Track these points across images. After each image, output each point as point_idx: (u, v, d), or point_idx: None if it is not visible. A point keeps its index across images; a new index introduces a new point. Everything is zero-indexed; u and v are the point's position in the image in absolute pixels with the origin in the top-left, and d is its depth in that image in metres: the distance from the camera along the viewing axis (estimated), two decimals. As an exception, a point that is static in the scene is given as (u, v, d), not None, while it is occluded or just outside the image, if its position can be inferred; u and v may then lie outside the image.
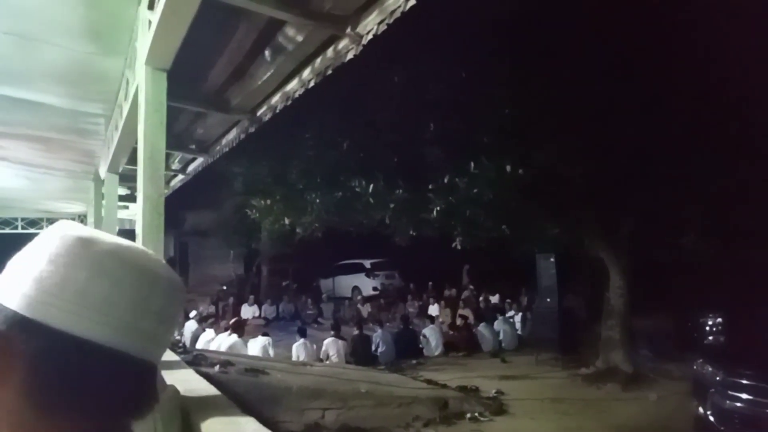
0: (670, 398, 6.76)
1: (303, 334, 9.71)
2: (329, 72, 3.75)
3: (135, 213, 9.79)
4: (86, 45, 3.52)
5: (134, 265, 0.53)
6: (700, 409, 5.16)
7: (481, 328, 11.34)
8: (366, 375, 7.35)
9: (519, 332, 12.17)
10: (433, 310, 14.43)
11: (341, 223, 10.89)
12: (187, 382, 2.16)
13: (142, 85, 2.80)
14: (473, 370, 9.20)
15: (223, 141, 5.82)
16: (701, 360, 5.58)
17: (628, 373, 8.14)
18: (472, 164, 7.20)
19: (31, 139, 5.93)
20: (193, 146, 6.06)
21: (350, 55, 3.40)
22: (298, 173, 10.03)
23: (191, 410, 1.49)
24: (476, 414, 6.19)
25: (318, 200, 9.53)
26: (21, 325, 0.48)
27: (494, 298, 14.96)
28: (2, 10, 3.11)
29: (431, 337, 10.81)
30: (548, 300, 11.23)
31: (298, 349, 9.31)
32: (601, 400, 7.28)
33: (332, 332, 9.96)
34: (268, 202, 10.61)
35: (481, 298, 14.98)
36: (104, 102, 4.68)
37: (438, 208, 7.70)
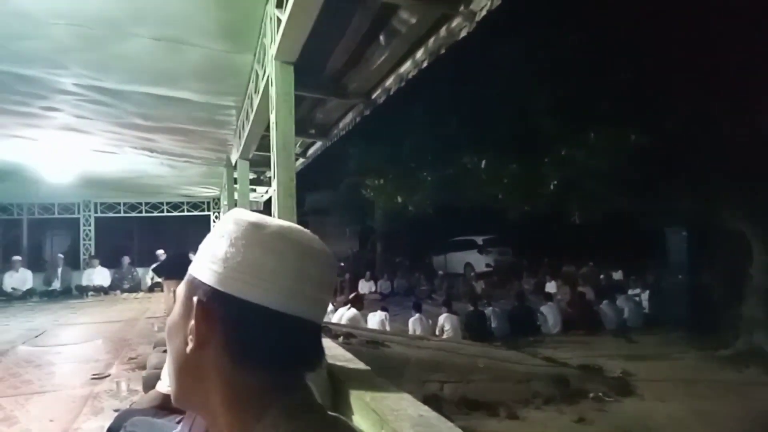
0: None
1: (418, 308, 9.94)
2: (442, 51, 3.77)
3: (261, 195, 10.59)
4: (222, 44, 3.86)
5: (295, 242, 0.64)
6: None
7: (604, 305, 10.83)
8: (483, 350, 7.38)
9: (645, 310, 11.46)
10: (550, 287, 14.01)
11: (453, 200, 10.89)
12: (328, 348, 2.36)
13: (272, 78, 3.03)
14: (595, 349, 8.86)
15: (340, 124, 6.08)
16: None
17: (773, 356, 7.39)
18: (592, 134, 6.83)
19: (174, 131, 6.64)
20: (313, 131, 6.38)
21: (464, 33, 3.39)
22: (409, 152, 10.17)
23: (337, 376, 1.64)
24: (600, 394, 5.99)
25: (430, 178, 9.62)
26: (217, 296, 0.61)
27: (617, 275, 14.16)
28: (153, 19, 3.52)
29: (549, 314, 10.54)
30: (679, 276, 10.42)
31: (414, 324, 9.56)
32: (742, 383, 6.69)
33: (444, 308, 10.08)
34: (382, 181, 10.90)
35: (602, 276, 14.25)
36: (236, 95, 5.10)
37: (555, 182, 7.43)
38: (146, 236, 15.19)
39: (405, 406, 1.20)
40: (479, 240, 18.82)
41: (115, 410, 3.20)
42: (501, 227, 15.89)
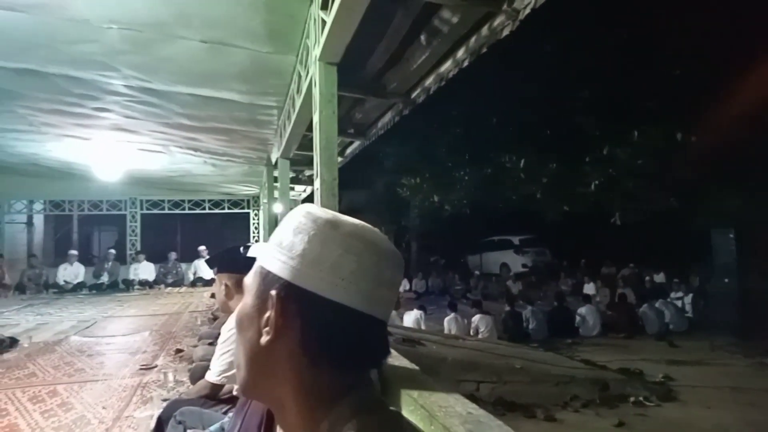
0: None
1: (454, 308, 9.90)
2: (484, 50, 3.76)
3: (299, 194, 10.72)
4: (265, 45, 3.95)
5: (371, 242, 0.66)
6: None
7: (645, 308, 10.54)
8: (519, 351, 7.30)
9: (689, 314, 11.10)
10: (589, 288, 13.71)
11: (489, 199, 10.80)
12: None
13: (315, 78, 3.09)
14: (636, 353, 8.64)
15: (379, 124, 6.13)
16: None
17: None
18: (636, 133, 6.66)
19: (217, 131, 6.82)
20: (351, 130, 6.45)
21: (506, 32, 3.37)
22: (446, 151, 10.14)
23: (384, 372, 1.66)
24: (641, 398, 5.85)
25: (467, 177, 9.56)
26: (294, 291, 0.63)
27: (659, 277, 13.75)
28: (200, 22, 3.64)
29: (588, 316, 10.34)
30: (725, 280, 10.05)
31: (450, 323, 9.53)
32: (795, 394, 6.41)
33: (475, 309, 10.00)
34: (418, 180, 10.90)
35: (647, 278, 13.86)
36: (278, 95, 5.21)
37: (596, 182, 7.28)
38: (188, 232, 15.63)
39: (453, 403, 1.22)
40: (516, 240, 18.57)
41: (164, 400, 3.33)
42: (538, 227, 15.62)
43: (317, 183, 3.07)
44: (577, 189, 7.86)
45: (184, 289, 11.83)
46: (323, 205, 3.02)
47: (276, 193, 8.55)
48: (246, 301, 0.69)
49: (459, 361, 5.92)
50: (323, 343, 0.62)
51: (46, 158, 9.17)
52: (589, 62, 7.35)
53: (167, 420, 2.56)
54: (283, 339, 0.63)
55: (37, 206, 13.33)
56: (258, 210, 14.19)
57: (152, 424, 2.84)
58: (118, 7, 3.48)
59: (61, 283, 11.24)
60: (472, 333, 9.47)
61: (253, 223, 14.47)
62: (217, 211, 14.07)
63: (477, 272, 17.94)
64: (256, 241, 13.62)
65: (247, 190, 13.18)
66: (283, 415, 0.67)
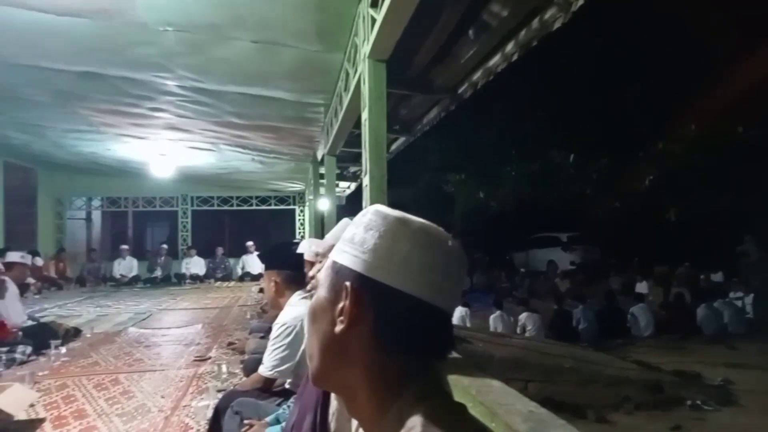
0: None
1: (499, 306, 9.77)
2: (534, 44, 3.69)
3: (343, 190, 10.80)
4: (314, 44, 4.01)
5: (438, 238, 0.69)
6: None
7: (702, 308, 10.10)
8: (569, 351, 7.15)
9: (749, 315, 10.56)
10: (641, 287, 13.24)
11: (537, 196, 10.59)
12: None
13: (364, 76, 3.11)
14: (691, 355, 8.30)
15: (424, 120, 6.11)
16: None
17: None
18: (693, 127, 6.39)
19: (265, 129, 6.96)
20: (397, 127, 6.45)
21: (558, 24, 3.30)
22: (492, 147, 10.00)
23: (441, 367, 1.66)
24: (698, 402, 5.63)
25: (513, 173, 9.40)
26: (366, 282, 0.66)
27: (716, 276, 13.14)
28: (252, 23, 3.72)
29: (641, 316, 9.99)
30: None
31: (496, 321, 9.42)
32: None
33: (522, 306, 9.82)
34: (463, 176, 10.81)
35: (702, 276, 13.28)
36: (325, 93, 5.27)
37: (650, 177, 7.02)
38: (235, 228, 16.02)
39: (512, 400, 1.21)
40: (563, 237, 18.09)
41: (219, 390, 3.43)
42: (587, 224, 15.19)
43: (366, 179, 3.09)
44: (629, 185, 7.60)
45: (232, 283, 12.14)
46: (372, 201, 3.04)
47: (322, 190, 8.68)
48: (320, 294, 0.72)
49: (507, 359, 5.85)
50: (394, 332, 0.65)
51: (104, 156, 9.61)
52: (643, 55, 7.09)
53: (224, 410, 2.64)
54: (356, 328, 0.65)
55: (95, 203, 13.97)
56: (303, 206, 14.41)
57: (209, 413, 2.94)
58: (175, 11, 3.60)
59: (118, 276, 11.77)
60: (518, 331, 9.32)
61: (299, 219, 14.71)
62: (263, 207, 14.38)
63: (523, 270, 17.62)
64: (302, 236, 13.85)
65: (292, 186, 13.41)
66: (354, 402, 0.69)
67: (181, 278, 12.09)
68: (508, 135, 9.54)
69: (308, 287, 3.18)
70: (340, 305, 0.66)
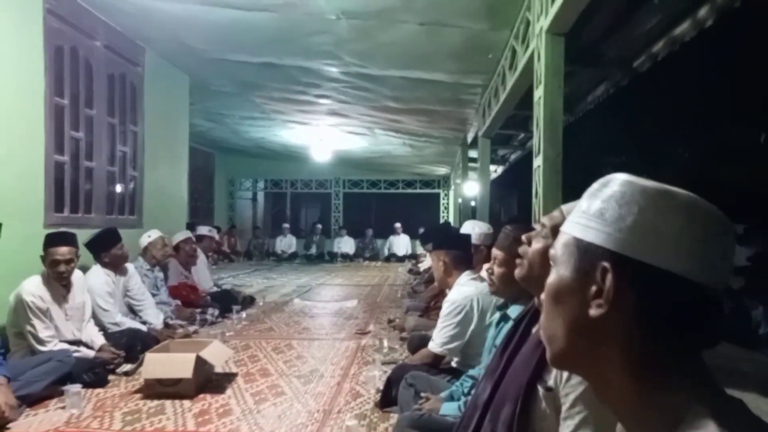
0: None
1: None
2: (737, 5, 3.22)
3: (490, 174, 10.51)
4: (481, 22, 3.93)
5: (711, 212, 0.60)
6: None
7: None
8: (746, 354, 6.30)
9: None
10: None
11: (708, 179, 9.36)
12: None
13: (540, 51, 2.97)
14: None
15: (589, 98, 5.70)
16: None
17: None
18: None
19: (419, 112, 7.05)
20: (557, 106, 6.11)
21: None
22: (661, 125, 9.03)
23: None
24: None
25: (685, 154, 8.42)
26: (626, 262, 0.59)
27: None
28: (422, 4, 3.74)
29: None
30: None
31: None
32: None
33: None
34: (623, 158, 9.96)
35: None
36: (484, 73, 5.16)
37: None
38: (381, 210, 16.60)
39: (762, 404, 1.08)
40: (739, 228, 15.95)
41: (384, 362, 3.59)
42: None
43: (539, 160, 2.97)
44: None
45: (379, 263, 12.65)
46: (546, 183, 2.93)
47: (471, 173, 8.60)
48: (561, 273, 0.66)
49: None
50: (662, 317, 0.59)
51: (270, 141, 10.51)
52: None
53: (396, 381, 2.75)
54: (616, 312, 0.60)
55: (260, 185, 15.37)
56: (448, 190, 14.45)
57: (379, 383, 3.09)
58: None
59: (279, 252, 12.94)
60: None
61: (443, 203, 14.79)
62: (409, 191, 14.69)
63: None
64: (446, 220, 13.91)
65: (438, 170, 13.50)
66: (605, 388, 0.64)
67: (333, 256, 12.90)
68: (681, 111, 8.53)
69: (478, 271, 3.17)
70: (594, 287, 0.61)
